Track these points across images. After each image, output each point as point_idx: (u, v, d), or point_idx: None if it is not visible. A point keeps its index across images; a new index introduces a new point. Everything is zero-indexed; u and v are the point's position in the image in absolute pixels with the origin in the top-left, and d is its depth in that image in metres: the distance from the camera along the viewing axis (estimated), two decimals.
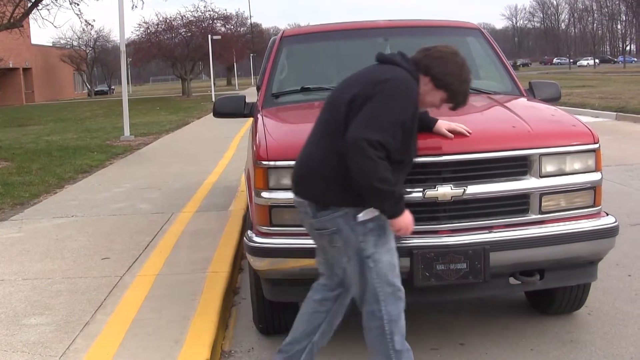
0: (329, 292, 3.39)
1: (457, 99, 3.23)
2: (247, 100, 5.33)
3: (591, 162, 3.70)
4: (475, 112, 4.50)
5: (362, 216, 3.07)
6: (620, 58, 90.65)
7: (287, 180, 3.60)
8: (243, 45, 62.81)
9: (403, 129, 3.01)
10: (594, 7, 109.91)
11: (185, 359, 3.73)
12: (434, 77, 3.16)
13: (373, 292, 3.12)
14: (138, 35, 52.35)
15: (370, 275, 3.10)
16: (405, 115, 3.03)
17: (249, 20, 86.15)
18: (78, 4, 18.80)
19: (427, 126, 3.48)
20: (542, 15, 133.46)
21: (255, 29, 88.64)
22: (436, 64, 3.16)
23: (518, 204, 3.63)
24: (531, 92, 5.06)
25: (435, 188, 3.47)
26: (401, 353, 3.15)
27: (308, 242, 3.58)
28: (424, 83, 3.18)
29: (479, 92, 4.75)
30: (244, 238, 3.84)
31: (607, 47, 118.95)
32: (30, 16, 17.81)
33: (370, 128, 2.94)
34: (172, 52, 50.85)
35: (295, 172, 3.25)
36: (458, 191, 3.48)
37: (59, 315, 4.47)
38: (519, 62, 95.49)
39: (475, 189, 3.51)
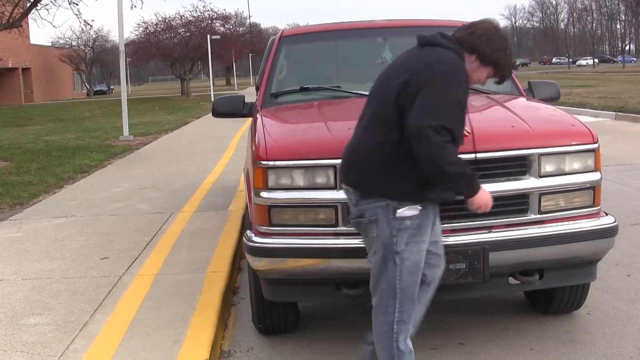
0: None
1: (504, 72, 3.24)
2: (246, 100, 5.33)
3: (590, 162, 3.70)
4: (475, 111, 4.50)
5: (401, 212, 3.04)
6: (620, 58, 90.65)
7: (286, 180, 3.60)
8: (242, 45, 62.80)
9: (461, 109, 3.02)
10: (593, 7, 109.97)
11: (184, 358, 3.73)
12: (481, 55, 3.15)
13: (391, 288, 3.12)
14: (137, 35, 52.46)
15: (393, 272, 3.09)
16: (461, 95, 3.03)
17: (248, 20, 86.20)
18: (77, 4, 18.86)
19: None
20: (541, 15, 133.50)
21: (254, 29, 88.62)
22: (482, 41, 3.14)
23: (517, 203, 3.63)
24: (530, 92, 5.06)
25: None
26: (404, 354, 3.16)
27: (307, 242, 3.59)
28: (470, 61, 3.16)
29: (478, 91, 4.75)
30: (243, 238, 3.84)
31: (607, 47, 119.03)
32: (29, 16, 17.83)
33: (431, 114, 2.91)
34: (171, 52, 50.88)
35: (343, 161, 3.24)
36: None
37: (58, 315, 4.47)
38: (518, 61, 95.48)
39: None
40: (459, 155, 3.05)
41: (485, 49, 3.13)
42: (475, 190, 3.06)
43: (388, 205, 3.05)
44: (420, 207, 3.06)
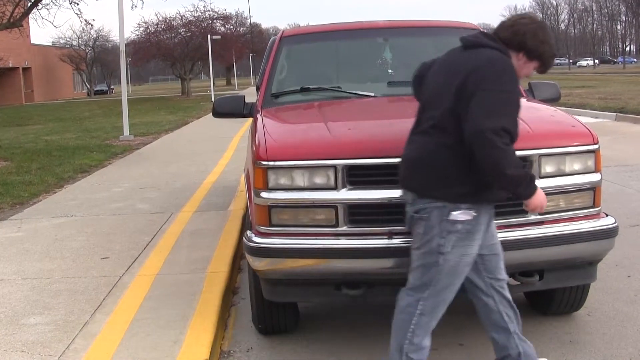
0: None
1: (549, 63, 3.28)
2: (246, 100, 5.33)
3: (591, 163, 3.70)
4: None
5: (456, 215, 3.07)
6: (620, 59, 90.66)
7: (286, 180, 3.60)
8: (242, 45, 62.84)
9: (516, 107, 3.05)
10: (594, 8, 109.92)
11: (184, 358, 3.73)
12: (529, 51, 3.19)
13: (426, 283, 3.16)
14: (138, 35, 52.47)
15: (433, 271, 3.14)
16: (514, 93, 3.06)
17: (248, 20, 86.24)
18: (78, 4, 18.82)
19: None
20: (541, 16, 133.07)
21: (255, 29, 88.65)
22: (528, 37, 3.17)
23: (517, 204, 3.61)
24: (530, 93, 5.06)
25: None
26: (416, 348, 3.20)
27: (307, 243, 3.59)
28: (518, 58, 3.20)
29: None
30: (243, 238, 3.84)
31: (607, 48, 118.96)
32: (30, 16, 17.81)
33: (489, 117, 2.93)
34: (172, 52, 50.89)
35: (403, 166, 3.27)
36: None
37: (58, 314, 4.47)
38: None
39: None
40: None
41: (532, 44, 3.17)
42: (532, 192, 3.07)
43: (445, 206, 3.09)
44: (475, 214, 3.10)
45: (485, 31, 3.40)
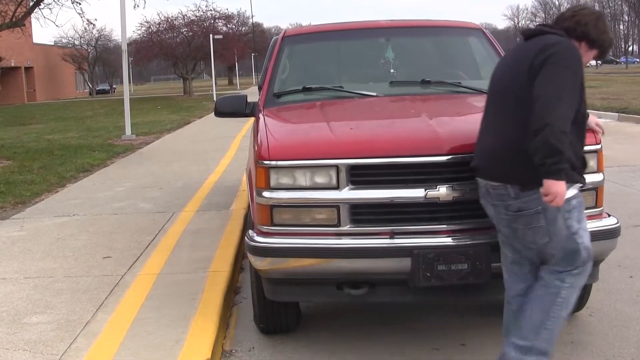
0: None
1: (607, 52, 3.45)
2: (248, 100, 5.32)
3: (593, 163, 3.69)
4: (477, 112, 4.50)
5: (567, 194, 3.10)
6: (623, 59, 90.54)
7: (288, 180, 3.60)
8: (244, 45, 62.84)
9: (581, 88, 3.15)
10: (596, 8, 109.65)
11: (186, 358, 3.73)
12: (591, 40, 3.32)
13: (570, 263, 3.23)
14: (140, 35, 52.51)
15: (576, 252, 3.22)
16: (581, 74, 3.16)
17: (250, 20, 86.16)
18: (80, 3, 18.82)
19: None
20: (544, 16, 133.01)
21: (257, 29, 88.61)
22: (589, 27, 3.31)
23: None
24: None
25: (436, 188, 3.47)
26: (562, 321, 3.27)
27: (309, 242, 3.59)
28: (579, 47, 3.29)
29: (481, 92, 4.75)
30: (245, 237, 3.84)
31: None
32: (32, 15, 17.84)
33: (555, 105, 3.00)
34: (174, 52, 50.92)
35: (488, 158, 3.29)
36: (459, 191, 3.48)
37: (60, 314, 4.47)
38: None
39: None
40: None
41: (593, 34, 3.31)
42: (560, 173, 3.01)
43: None
44: (580, 185, 3.21)
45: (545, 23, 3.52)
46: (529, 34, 3.38)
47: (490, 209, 3.37)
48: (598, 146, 3.71)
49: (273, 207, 3.63)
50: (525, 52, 3.26)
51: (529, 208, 3.18)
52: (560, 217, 3.16)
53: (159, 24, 51.10)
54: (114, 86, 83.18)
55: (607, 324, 4.29)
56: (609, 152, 6.89)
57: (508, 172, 3.22)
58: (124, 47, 18.21)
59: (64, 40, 68.95)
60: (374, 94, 4.78)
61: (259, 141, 3.85)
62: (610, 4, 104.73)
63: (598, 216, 3.74)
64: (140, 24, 67.28)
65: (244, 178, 7.40)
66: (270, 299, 3.90)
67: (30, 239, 6.56)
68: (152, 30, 50.91)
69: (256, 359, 4.02)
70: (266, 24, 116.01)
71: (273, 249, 3.63)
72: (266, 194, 3.63)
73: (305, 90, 4.87)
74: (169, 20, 51.19)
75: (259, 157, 3.69)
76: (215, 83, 44.68)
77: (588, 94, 3.40)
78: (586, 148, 3.68)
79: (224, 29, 54.04)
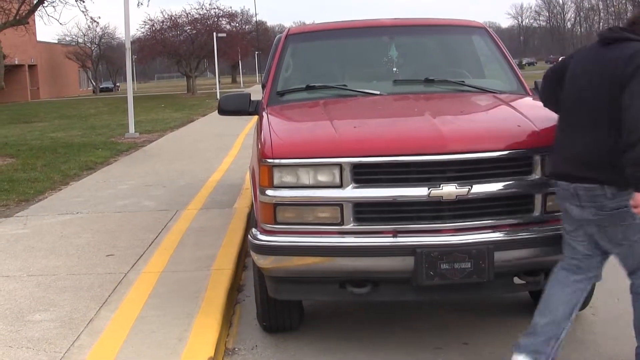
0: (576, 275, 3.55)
1: None
2: (252, 98, 5.32)
3: None
4: (481, 111, 4.50)
5: None
6: None
7: (291, 178, 3.60)
8: (248, 43, 62.89)
9: None
10: (600, 6, 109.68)
11: (189, 356, 3.73)
12: None
13: None
14: (143, 33, 52.57)
15: None
16: None
17: (254, 18, 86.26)
18: (83, 1, 18.97)
19: None
20: (548, 14, 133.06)
21: (261, 27, 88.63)
22: None
23: (522, 203, 3.62)
24: (537, 91, 5.05)
25: (439, 187, 3.47)
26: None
27: (312, 241, 3.59)
28: None
29: (484, 91, 4.75)
30: (249, 236, 3.84)
31: None
32: (36, 13, 17.88)
33: None
34: (177, 50, 50.95)
35: (580, 165, 3.29)
36: (463, 190, 3.48)
37: (63, 311, 4.48)
38: (524, 61, 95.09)
39: (480, 188, 3.51)
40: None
41: None
42: None
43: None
44: None
45: (621, 26, 3.44)
46: (609, 40, 3.32)
47: (575, 210, 3.36)
48: None
49: (276, 206, 3.64)
50: (612, 61, 3.22)
51: (625, 206, 3.19)
52: None
53: (163, 22, 51.18)
54: (118, 84, 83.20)
55: (610, 323, 4.28)
56: None
57: (606, 175, 3.23)
58: (128, 45, 18.22)
59: (67, 38, 69.19)
60: (378, 92, 4.77)
61: (262, 139, 3.85)
62: (614, 3, 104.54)
63: None
64: (144, 22, 67.59)
65: (247, 176, 7.40)
66: (273, 297, 3.91)
67: (34, 237, 6.57)
68: (155, 29, 50.95)
69: (259, 357, 4.02)
70: (270, 22, 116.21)
71: (276, 247, 3.64)
72: (270, 192, 3.63)
73: (309, 88, 4.87)
74: (173, 18, 51.27)
75: (262, 156, 3.69)
76: (219, 81, 44.67)
77: None
78: None
79: (228, 27, 54.07)
